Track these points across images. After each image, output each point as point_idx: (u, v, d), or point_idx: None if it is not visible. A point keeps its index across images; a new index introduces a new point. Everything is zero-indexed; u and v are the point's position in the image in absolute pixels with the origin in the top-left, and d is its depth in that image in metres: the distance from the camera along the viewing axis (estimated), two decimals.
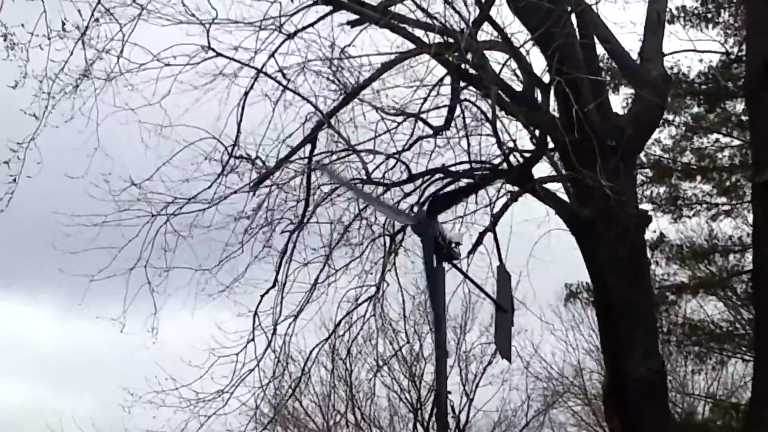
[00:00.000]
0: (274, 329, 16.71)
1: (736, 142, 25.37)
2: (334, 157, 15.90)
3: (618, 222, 14.37)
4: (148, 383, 16.66)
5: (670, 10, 23.23)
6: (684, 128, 26.13)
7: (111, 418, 17.32)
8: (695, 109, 25.72)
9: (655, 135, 25.27)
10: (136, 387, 16.84)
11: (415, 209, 14.46)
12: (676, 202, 26.30)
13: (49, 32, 14.55)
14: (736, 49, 22.68)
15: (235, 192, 15.73)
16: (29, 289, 33.74)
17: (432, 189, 15.68)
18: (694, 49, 19.18)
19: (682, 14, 24.16)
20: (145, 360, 16.40)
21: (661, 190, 26.30)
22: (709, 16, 24.21)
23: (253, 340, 16.66)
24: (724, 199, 26.20)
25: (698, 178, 26.02)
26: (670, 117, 25.47)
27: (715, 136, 26.13)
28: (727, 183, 25.78)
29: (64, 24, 14.59)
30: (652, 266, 24.48)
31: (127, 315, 15.93)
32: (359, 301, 17.14)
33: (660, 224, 26.65)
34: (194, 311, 16.18)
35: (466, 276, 12.08)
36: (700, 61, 23.73)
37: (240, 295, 16.39)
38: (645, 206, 24.11)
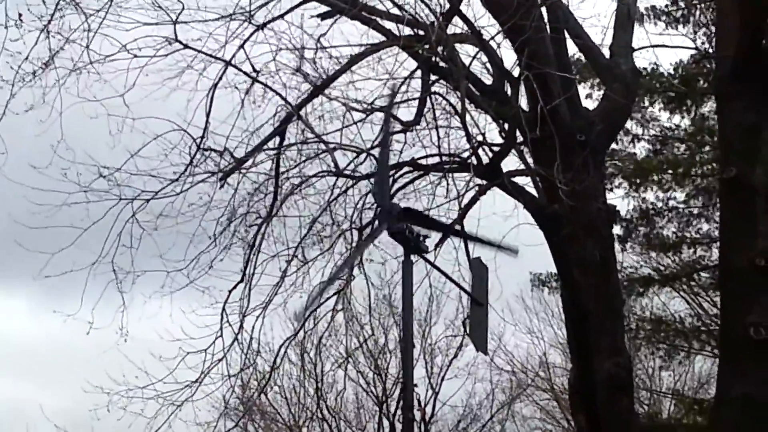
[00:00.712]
0: (241, 323, 16.65)
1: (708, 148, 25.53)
2: (304, 148, 15.87)
3: (586, 217, 14.38)
4: (114, 381, 16.59)
5: (650, 7, 23.44)
6: (655, 140, 26.29)
7: (83, 409, 17.17)
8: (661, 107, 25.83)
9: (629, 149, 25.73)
10: (108, 379, 16.76)
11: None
12: (648, 215, 26.43)
13: (6, 21, 14.46)
14: (706, 45, 22.78)
15: (203, 180, 15.66)
16: (3, 282, 33.52)
17: (401, 182, 15.69)
18: (664, 45, 19.23)
19: (652, 13, 24.27)
20: (116, 352, 16.30)
21: (632, 205, 26.45)
22: (679, 16, 24.33)
23: (221, 336, 16.60)
24: (695, 202, 26.35)
25: (671, 186, 26.14)
26: (640, 131, 25.71)
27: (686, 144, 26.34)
28: (701, 186, 25.90)
29: (21, 16, 14.48)
30: (620, 258, 24.63)
31: (97, 307, 15.84)
32: (327, 295, 17.08)
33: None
34: (162, 304, 16.16)
35: (437, 268, 12.07)
36: (678, 61, 23.92)
37: (210, 286, 16.36)
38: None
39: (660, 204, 26.45)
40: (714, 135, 24.13)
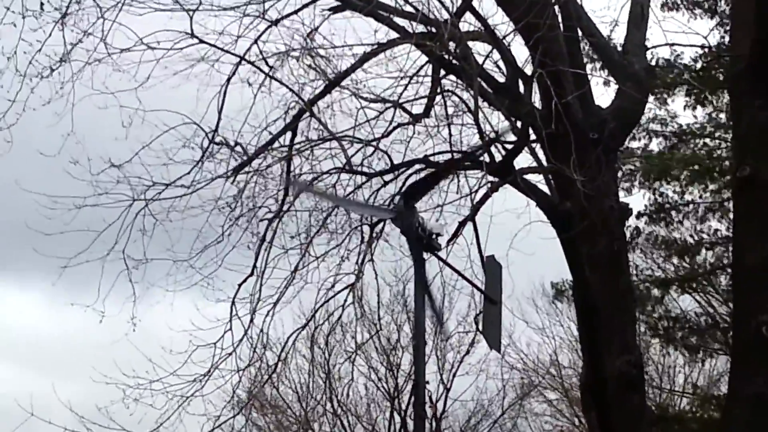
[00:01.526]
0: (252, 317, 16.66)
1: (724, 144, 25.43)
2: (315, 144, 15.86)
3: (598, 214, 14.35)
4: (125, 375, 16.59)
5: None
6: (672, 136, 26.19)
7: (93, 402, 17.21)
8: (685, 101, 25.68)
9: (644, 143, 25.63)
10: (119, 372, 16.77)
11: (395, 200, 14.40)
12: (663, 208, 26.34)
13: (24, 11, 14.45)
14: (726, 39, 22.67)
15: (215, 178, 15.69)
16: (20, 274, 33.64)
17: (413, 179, 15.65)
18: (677, 43, 19.15)
19: (684, 2, 24.16)
20: (129, 345, 16.33)
21: (647, 198, 26.35)
22: (707, 6, 24.22)
23: (231, 329, 16.61)
24: (709, 197, 26.26)
25: (687, 183, 26.04)
26: (658, 128, 25.57)
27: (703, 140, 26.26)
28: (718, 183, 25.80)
29: (42, 4, 14.49)
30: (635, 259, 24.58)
31: (111, 299, 15.91)
32: (338, 290, 17.09)
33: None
34: (174, 298, 16.19)
35: (450, 266, 12.05)
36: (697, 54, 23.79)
37: (221, 279, 16.37)
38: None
39: (676, 198, 26.41)
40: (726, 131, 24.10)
